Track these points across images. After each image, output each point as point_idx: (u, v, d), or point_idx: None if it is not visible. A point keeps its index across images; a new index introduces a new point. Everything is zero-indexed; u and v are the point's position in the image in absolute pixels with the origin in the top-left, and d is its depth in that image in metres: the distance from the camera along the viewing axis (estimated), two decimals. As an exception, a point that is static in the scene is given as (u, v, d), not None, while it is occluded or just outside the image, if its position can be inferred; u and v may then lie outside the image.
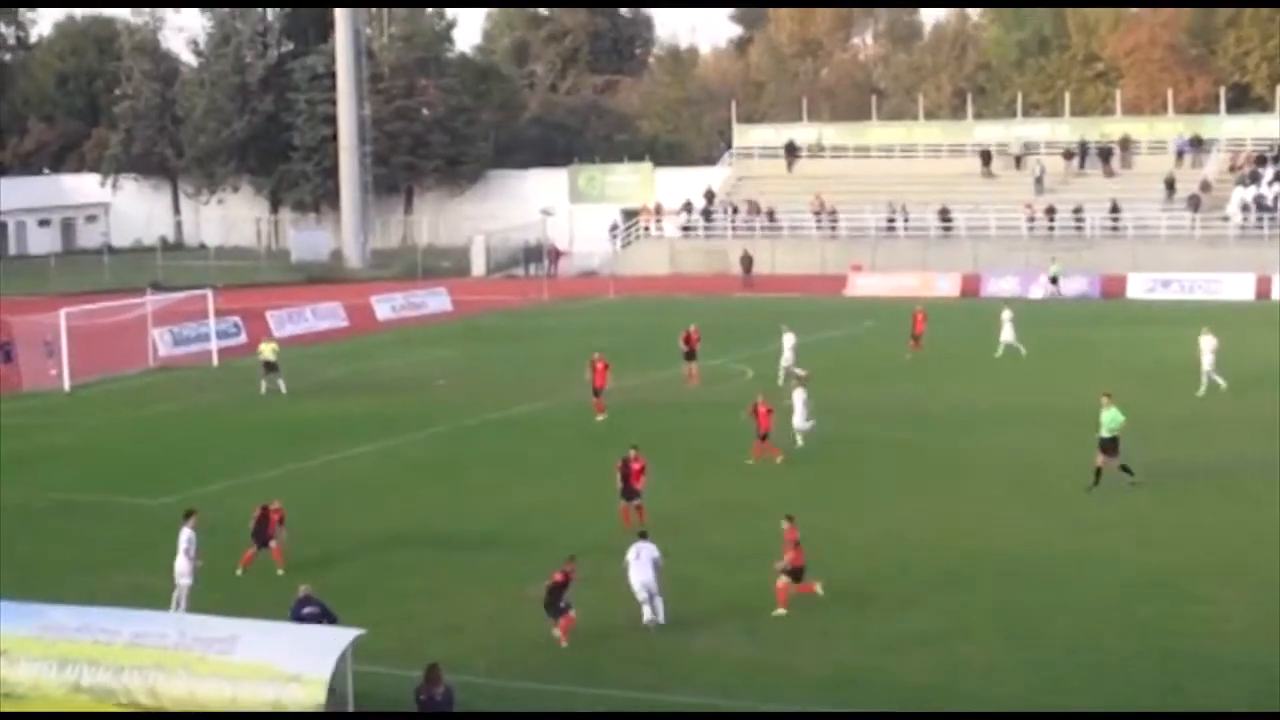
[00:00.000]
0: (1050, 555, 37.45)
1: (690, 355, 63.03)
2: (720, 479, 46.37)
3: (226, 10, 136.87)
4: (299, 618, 29.06)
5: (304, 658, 25.80)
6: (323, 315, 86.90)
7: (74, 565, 38.20)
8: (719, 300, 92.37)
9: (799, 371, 59.69)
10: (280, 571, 36.69)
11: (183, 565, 34.17)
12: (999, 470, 46.59)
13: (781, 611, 33.26)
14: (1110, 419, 43.05)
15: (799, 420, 49.23)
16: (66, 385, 65.78)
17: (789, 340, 62.09)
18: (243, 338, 79.09)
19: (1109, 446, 42.98)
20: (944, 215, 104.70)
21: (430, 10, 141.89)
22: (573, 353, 64.54)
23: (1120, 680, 29.28)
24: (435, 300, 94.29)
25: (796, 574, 33.57)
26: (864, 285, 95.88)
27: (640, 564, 32.79)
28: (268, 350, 64.81)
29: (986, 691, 28.93)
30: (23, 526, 42.80)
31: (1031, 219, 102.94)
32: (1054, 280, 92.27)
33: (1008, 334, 68.05)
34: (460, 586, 35.84)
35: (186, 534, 34.37)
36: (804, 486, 44.80)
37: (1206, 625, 32.27)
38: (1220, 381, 56.78)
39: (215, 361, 72.45)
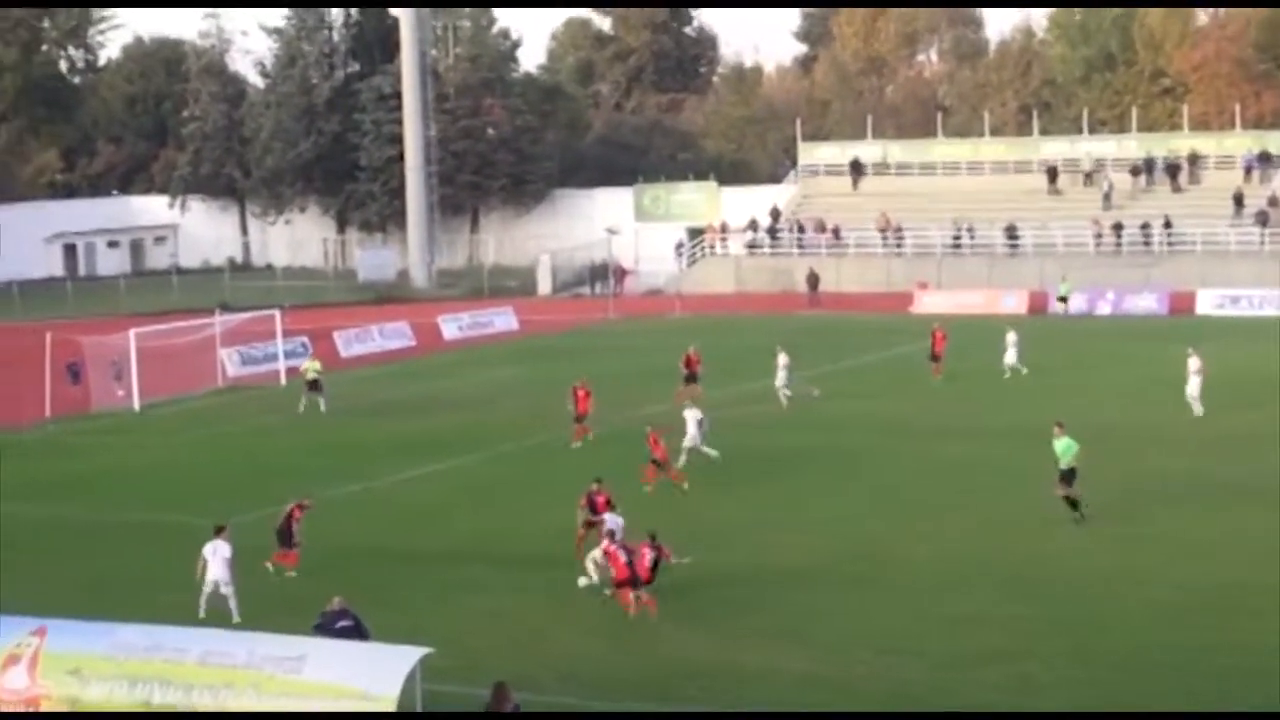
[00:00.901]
0: (1100, 570, 37.44)
1: (691, 378, 62.69)
2: (775, 493, 46.35)
3: (293, 32, 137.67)
4: (333, 631, 29.17)
5: (373, 676, 25.94)
6: (389, 335, 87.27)
7: (142, 584, 38.49)
8: (784, 318, 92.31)
9: (787, 393, 60.85)
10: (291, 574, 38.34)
11: (225, 574, 35.66)
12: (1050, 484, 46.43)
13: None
14: (1064, 449, 42.10)
15: (689, 440, 49.14)
16: (136, 405, 66.29)
17: (782, 360, 62.21)
18: (312, 359, 79.49)
19: (1067, 477, 41.92)
20: (1010, 232, 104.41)
21: (495, 30, 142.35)
22: (639, 371, 64.74)
23: (1180, 695, 29.18)
24: (501, 319, 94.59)
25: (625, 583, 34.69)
26: (930, 303, 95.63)
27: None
28: (311, 369, 65.52)
29: (1041, 709, 28.88)
30: (92, 546, 43.17)
31: (1099, 235, 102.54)
32: (1063, 299, 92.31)
33: (1011, 357, 67.48)
34: (524, 605, 35.98)
35: (225, 546, 35.90)
36: (867, 502, 44.82)
37: (1258, 639, 32.11)
38: (1197, 407, 56.23)
39: (283, 381, 72.82)
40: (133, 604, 35.10)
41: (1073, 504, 41.64)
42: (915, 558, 38.98)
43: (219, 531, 36.55)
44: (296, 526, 39.38)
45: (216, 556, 35.99)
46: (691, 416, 49.47)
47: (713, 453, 49.27)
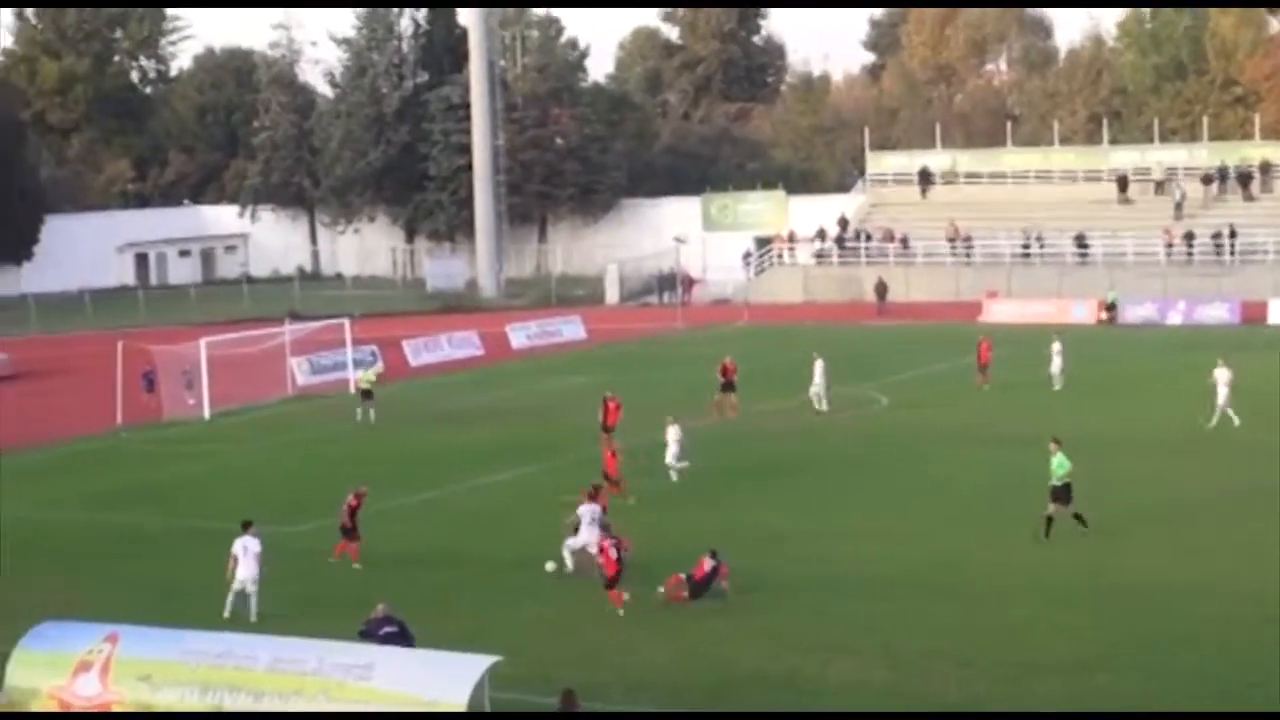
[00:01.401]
0: (1170, 583, 37.16)
1: (728, 386, 62.93)
2: (845, 502, 46.26)
3: (363, 42, 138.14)
4: (377, 638, 29.23)
5: (441, 684, 26.01)
6: (458, 344, 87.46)
7: (213, 591, 38.58)
8: (852, 328, 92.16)
9: (821, 406, 61.45)
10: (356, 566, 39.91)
11: (254, 571, 36.38)
12: (1131, 493, 46.15)
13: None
14: (1058, 465, 41.67)
15: (671, 457, 49.13)
16: (206, 413, 66.65)
17: (819, 367, 62.56)
18: (379, 366, 79.72)
19: (1060, 494, 41.33)
20: (1080, 242, 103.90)
21: (564, 40, 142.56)
22: (706, 381, 64.59)
23: (1258, 709, 28.98)
24: (569, 328, 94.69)
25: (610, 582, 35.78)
26: (999, 312, 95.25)
27: (590, 527, 38.29)
28: (365, 379, 65.89)
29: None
30: (163, 553, 43.43)
31: (1170, 245, 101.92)
32: (1111, 307, 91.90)
33: (1056, 366, 67.06)
34: (593, 613, 35.94)
35: (255, 542, 36.69)
36: (938, 512, 44.70)
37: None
38: (1234, 417, 55.68)
39: (352, 389, 73.02)
40: (203, 611, 35.28)
41: (1079, 519, 41.16)
42: (988, 567, 38.79)
43: (247, 527, 37.18)
44: (356, 517, 40.67)
45: (248, 554, 36.62)
46: (673, 435, 49.30)
47: (674, 476, 49.01)
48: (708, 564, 36.41)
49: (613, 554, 36.20)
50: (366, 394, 65.34)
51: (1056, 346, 67.48)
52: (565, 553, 38.98)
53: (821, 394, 62.25)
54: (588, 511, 39.32)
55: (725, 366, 63.57)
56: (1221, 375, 56.39)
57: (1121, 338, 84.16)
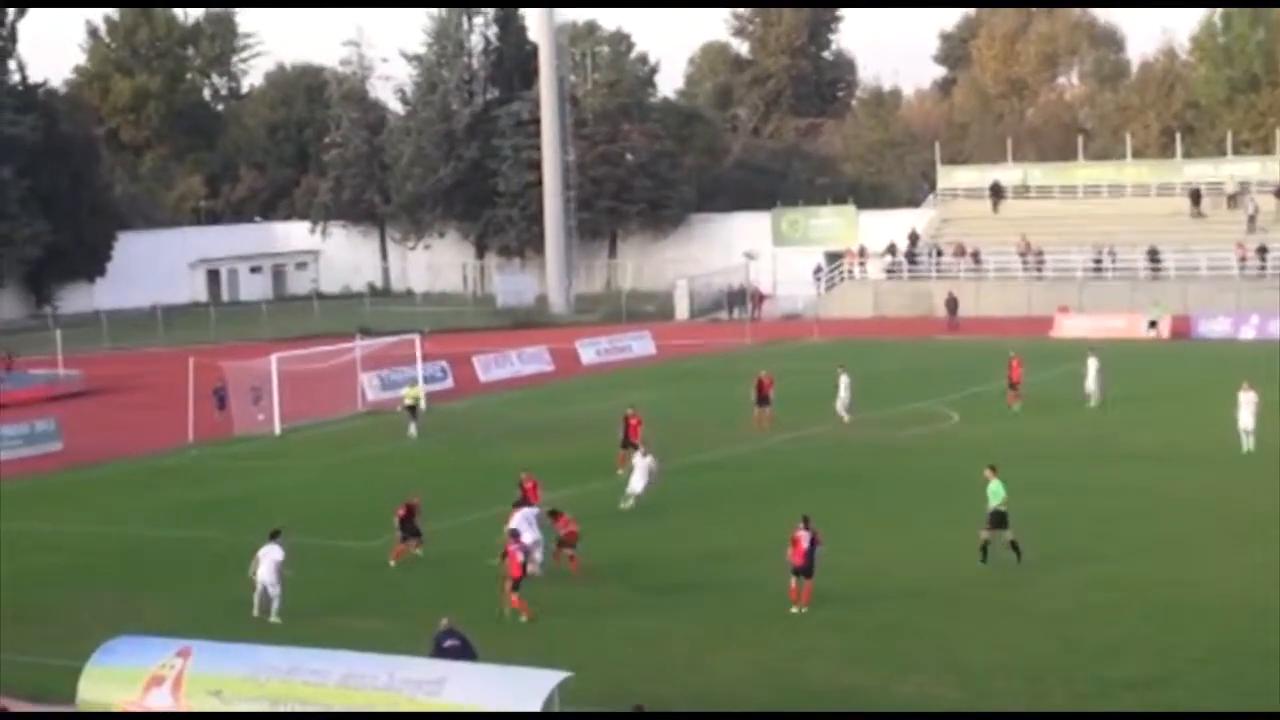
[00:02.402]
0: (1257, 598, 36.81)
1: (763, 401, 63.36)
2: (918, 518, 46.10)
3: (433, 59, 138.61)
4: (441, 651, 29.25)
5: (512, 700, 26.00)
6: (528, 359, 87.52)
7: (283, 606, 38.76)
8: (923, 343, 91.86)
9: (845, 418, 62.27)
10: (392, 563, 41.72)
11: (271, 577, 38.30)
12: (1201, 510, 45.82)
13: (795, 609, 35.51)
14: (993, 492, 41.38)
15: (637, 484, 48.70)
16: (277, 429, 66.89)
17: (844, 382, 63.38)
18: (449, 382, 79.99)
19: (996, 520, 41.00)
20: (1153, 256, 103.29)
21: (633, 55, 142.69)
22: (778, 396, 64.44)
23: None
24: (639, 344, 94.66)
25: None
26: (1071, 327, 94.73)
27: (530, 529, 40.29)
28: (410, 395, 66.13)
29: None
30: (234, 569, 43.59)
31: (1243, 259, 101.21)
32: (1153, 324, 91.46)
33: (1091, 383, 66.44)
34: (667, 629, 35.93)
35: (277, 550, 38.58)
36: (1012, 529, 44.50)
37: None
38: (1248, 442, 54.47)
39: (423, 405, 73.18)
40: (275, 626, 35.41)
41: (1014, 547, 40.72)
42: (1062, 583, 38.58)
43: (274, 536, 39.08)
44: (409, 526, 42.61)
45: (267, 559, 38.48)
46: (642, 465, 48.78)
47: (627, 504, 48.52)
48: (803, 537, 36.26)
49: (519, 557, 37.93)
50: (411, 409, 65.69)
51: (1093, 363, 67.00)
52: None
53: (845, 407, 63.05)
54: (521, 517, 40.85)
55: (761, 381, 63.97)
56: (1245, 398, 55.31)
57: (1193, 353, 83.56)
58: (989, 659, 32.96)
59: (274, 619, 37.63)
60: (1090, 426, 61.71)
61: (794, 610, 35.83)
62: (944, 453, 57.04)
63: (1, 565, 44.93)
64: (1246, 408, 55.06)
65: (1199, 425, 60.35)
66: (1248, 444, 54.68)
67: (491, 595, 38.68)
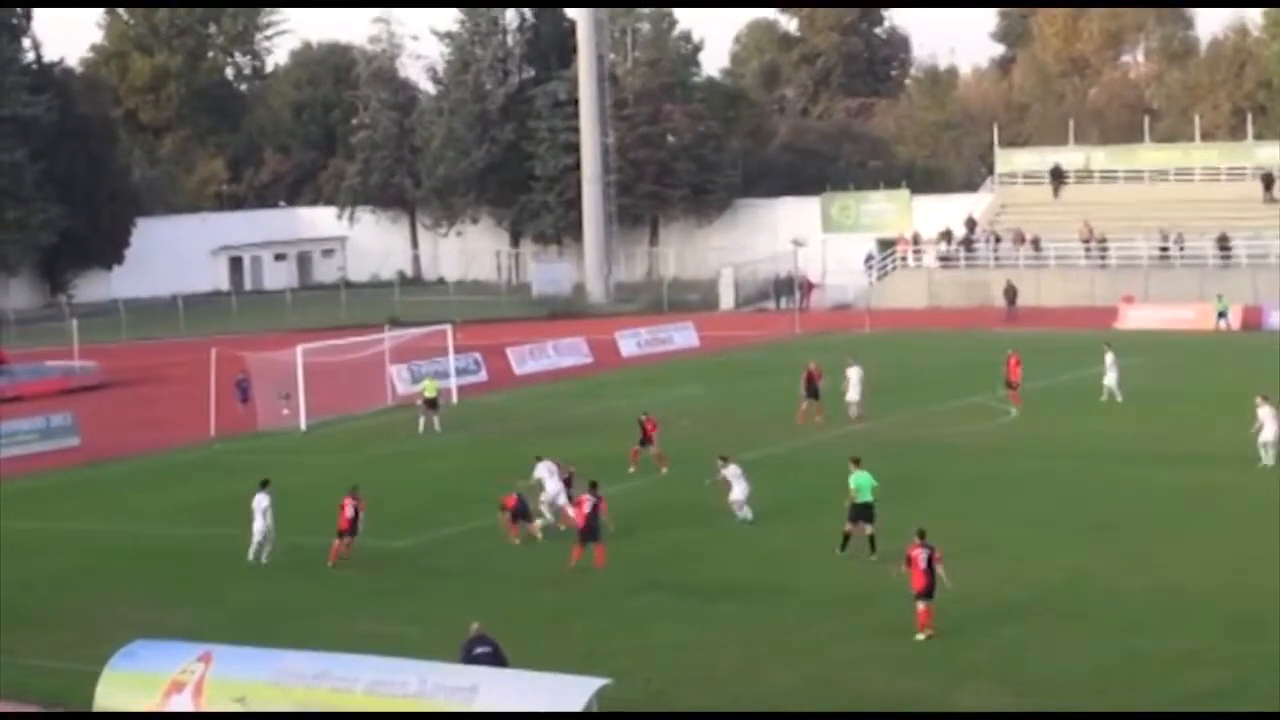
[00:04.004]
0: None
1: (812, 393, 63.65)
2: (974, 520, 45.99)
3: (466, 36, 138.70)
4: (471, 657, 29.23)
5: (548, 708, 25.99)
6: (565, 351, 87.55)
7: (309, 609, 38.89)
8: (980, 335, 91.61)
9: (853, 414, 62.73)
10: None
11: (261, 525, 43.88)
12: (1270, 515, 45.56)
13: (920, 636, 34.33)
14: (858, 484, 42.20)
15: (739, 492, 47.25)
16: (302, 424, 66.98)
17: (855, 374, 63.69)
18: (483, 375, 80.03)
19: (860, 513, 42.04)
20: (1222, 243, 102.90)
21: (676, 33, 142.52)
22: (826, 390, 64.36)
23: None
24: (681, 335, 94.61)
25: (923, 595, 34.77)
26: (1136, 318, 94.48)
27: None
28: (430, 387, 66.23)
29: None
30: (258, 569, 43.71)
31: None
32: (1222, 315, 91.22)
33: (1110, 379, 66.21)
34: (708, 635, 35.90)
35: (264, 498, 44.02)
36: (1072, 531, 44.37)
37: None
38: (1268, 456, 52.60)
39: (455, 399, 73.25)
40: (299, 629, 35.48)
41: (847, 540, 41.96)
42: (1127, 591, 38.41)
43: (264, 485, 44.53)
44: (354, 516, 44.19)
45: (258, 509, 43.99)
46: (734, 474, 47.42)
47: (744, 514, 47.26)
48: (920, 555, 35.14)
49: (586, 509, 41.90)
50: (431, 403, 65.73)
51: (1110, 358, 66.71)
52: (545, 510, 45.67)
53: (856, 401, 63.33)
54: (544, 468, 46.22)
55: (810, 373, 64.12)
56: (1264, 413, 54.14)
57: (1265, 346, 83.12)
58: (1051, 668, 32.86)
59: (264, 560, 43.77)
60: (1153, 424, 61.44)
61: (920, 638, 34.50)
62: (1001, 450, 56.91)
63: (16, 566, 45.14)
64: (1270, 423, 52.67)
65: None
66: (1267, 459, 52.65)
67: (523, 599, 38.73)
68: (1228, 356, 76.94)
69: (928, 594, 34.76)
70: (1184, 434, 59.23)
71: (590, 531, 42.17)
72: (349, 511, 43.94)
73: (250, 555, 43.92)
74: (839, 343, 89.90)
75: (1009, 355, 66.57)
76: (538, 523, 45.62)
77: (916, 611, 34.63)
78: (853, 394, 63.70)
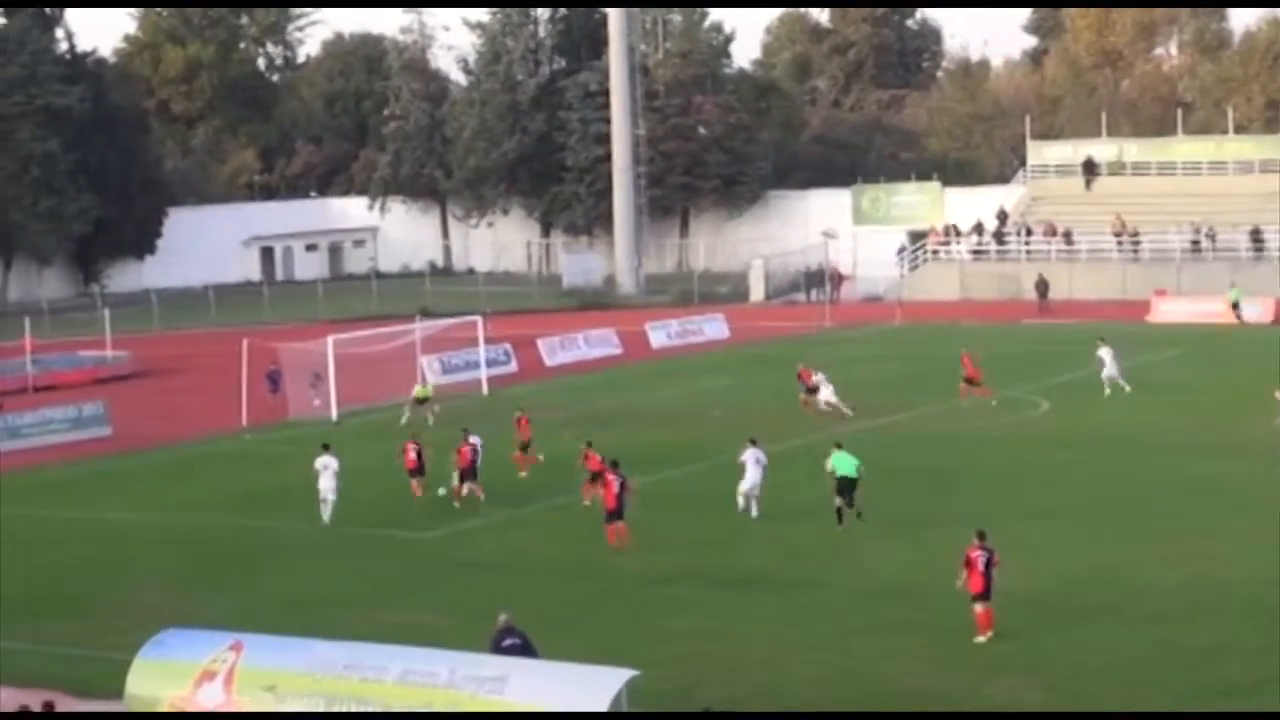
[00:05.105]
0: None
1: (810, 390, 64.27)
2: (1001, 513, 45.88)
3: (498, 27, 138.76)
4: (500, 651, 29.24)
5: (577, 699, 26.00)
6: (595, 343, 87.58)
7: (339, 599, 38.96)
8: (1011, 327, 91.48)
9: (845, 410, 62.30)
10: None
11: (330, 484, 46.61)
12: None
13: (981, 639, 33.85)
14: (839, 462, 44.28)
15: (748, 483, 46.77)
16: (333, 414, 67.06)
17: (821, 378, 64.28)
18: (513, 366, 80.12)
19: (843, 488, 44.02)
20: (1255, 236, 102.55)
21: (707, 24, 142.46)
22: (856, 382, 64.36)
23: None
24: (712, 327, 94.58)
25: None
26: (1168, 311, 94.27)
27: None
28: (421, 393, 65.99)
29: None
30: (288, 559, 43.82)
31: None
32: (1235, 306, 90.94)
33: (1110, 371, 65.95)
34: (736, 626, 35.90)
35: (333, 460, 46.91)
36: (1102, 524, 44.29)
37: None
38: None
39: (485, 390, 73.38)
40: (329, 619, 35.54)
41: (841, 514, 43.90)
42: (1158, 584, 38.29)
43: (326, 448, 47.68)
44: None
45: (327, 470, 46.75)
46: (752, 458, 47.14)
47: (746, 505, 47.11)
48: (979, 557, 34.61)
49: (615, 488, 42.60)
50: (421, 401, 65.62)
51: (1106, 352, 66.51)
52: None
53: (830, 399, 63.36)
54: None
55: (801, 373, 64.86)
56: None
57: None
58: (1081, 661, 32.78)
59: (325, 521, 46.40)
60: (1184, 416, 61.31)
61: (979, 640, 34.01)
62: (1032, 443, 56.80)
63: (47, 554, 45.33)
64: None
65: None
66: None
67: (551, 590, 38.80)
68: (1257, 350, 76.47)
69: (985, 596, 34.31)
70: (1215, 426, 59.04)
71: (617, 511, 42.74)
72: (411, 454, 49.71)
73: (325, 517, 46.71)
74: (870, 335, 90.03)
75: (963, 355, 66.28)
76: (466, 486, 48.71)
77: (974, 614, 34.22)
78: (825, 393, 63.52)
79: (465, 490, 48.53)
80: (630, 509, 43.09)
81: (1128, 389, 65.58)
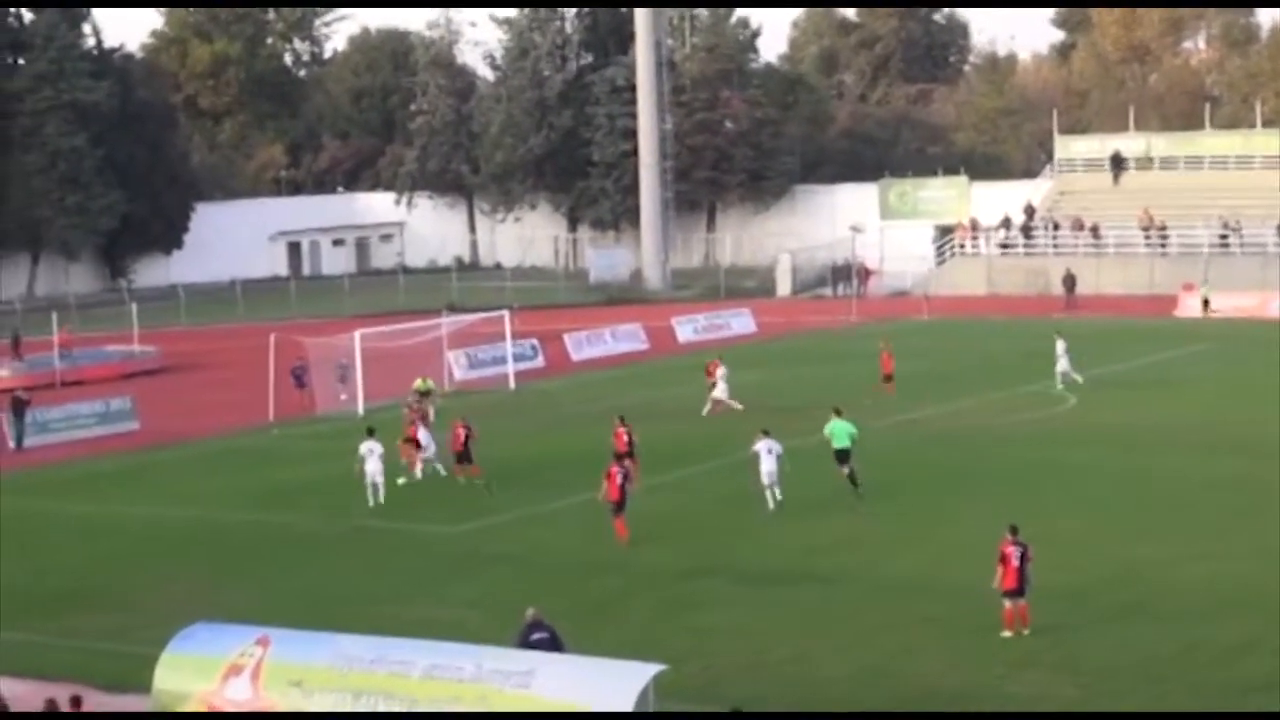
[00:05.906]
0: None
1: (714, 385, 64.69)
2: (1025, 509, 45.79)
3: (524, 23, 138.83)
4: (528, 645, 29.26)
5: (604, 694, 26.03)
6: (622, 337, 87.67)
7: (366, 594, 39.02)
8: (1039, 322, 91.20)
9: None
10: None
11: (378, 467, 48.34)
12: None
13: (1007, 634, 33.85)
14: (835, 431, 47.39)
15: (766, 476, 46.62)
16: (360, 409, 67.13)
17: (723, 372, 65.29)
18: (540, 360, 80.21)
19: (840, 457, 47.19)
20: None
21: (734, 19, 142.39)
22: (876, 377, 64.26)
23: None
24: (738, 322, 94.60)
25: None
26: (1195, 306, 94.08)
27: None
28: (421, 385, 65.95)
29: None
30: (316, 554, 43.92)
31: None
32: (1205, 303, 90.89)
33: (1063, 365, 66.10)
34: (762, 622, 35.90)
35: (378, 445, 48.54)
36: (1130, 520, 44.23)
37: None
38: None
39: (512, 385, 73.49)
40: (356, 614, 35.60)
41: (854, 478, 46.87)
42: (1186, 582, 38.17)
43: (371, 433, 49.46)
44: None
45: (373, 455, 48.33)
46: (764, 448, 47.07)
47: (769, 498, 46.87)
48: (1014, 553, 34.30)
49: (618, 480, 42.76)
50: (424, 395, 65.53)
51: (1061, 346, 66.50)
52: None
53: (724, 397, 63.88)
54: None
55: (708, 367, 66.30)
56: None
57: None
58: (1107, 658, 32.72)
59: (371, 504, 47.80)
60: (1210, 413, 61.14)
61: (1006, 635, 33.89)
62: (1059, 439, 56.68)
63: (75, 549, 45.48)
64: None
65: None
66: None
67: (578, 585, 38.84)
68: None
69: (1019, 592, 34.19)
70: (1242, 423, 58.85)
71: (621, 503, 42.91)
72: (461, 435, 51.32)
73: (371, 500, 48.23)
74: (897, 330, 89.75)
75: (881, 350, 66.55)
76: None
77: (1003, 609, 34.14)
78: (720, 389, 64.40)
79: (462, 474, 51.29)
80: (631, 499, 43.38)
81: (1080, 380, 65.66)
